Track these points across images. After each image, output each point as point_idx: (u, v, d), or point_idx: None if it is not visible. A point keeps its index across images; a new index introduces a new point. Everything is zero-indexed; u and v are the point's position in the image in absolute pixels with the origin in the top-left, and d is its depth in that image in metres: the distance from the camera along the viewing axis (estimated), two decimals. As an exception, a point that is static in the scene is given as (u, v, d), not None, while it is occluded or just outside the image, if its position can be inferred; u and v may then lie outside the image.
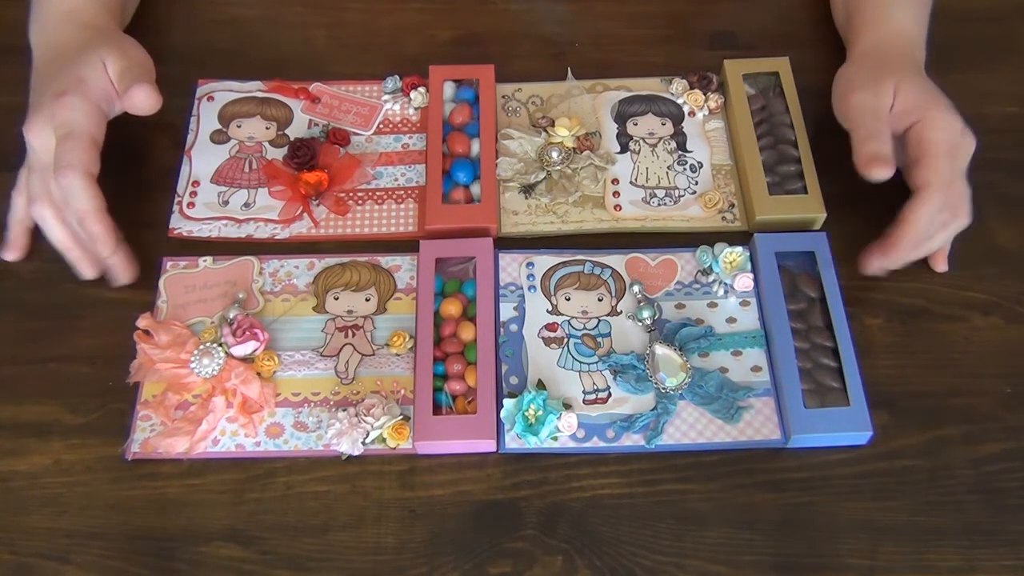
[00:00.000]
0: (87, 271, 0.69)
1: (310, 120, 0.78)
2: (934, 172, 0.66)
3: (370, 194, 0.74)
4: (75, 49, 0.70)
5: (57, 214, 0.67)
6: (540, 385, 0.65)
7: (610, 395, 0.65)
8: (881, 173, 0.67)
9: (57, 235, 0.67)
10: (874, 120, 0.68)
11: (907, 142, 0.68)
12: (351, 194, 0.74)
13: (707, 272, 0.69)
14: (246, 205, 0.73)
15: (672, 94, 0.78)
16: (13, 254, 0.71)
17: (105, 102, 0.68)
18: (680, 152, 0.76)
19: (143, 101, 0.67)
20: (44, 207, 0.67)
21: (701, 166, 0.75)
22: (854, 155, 0.68)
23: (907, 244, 0.67)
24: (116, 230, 0.67)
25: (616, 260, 0.70)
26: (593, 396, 0.65)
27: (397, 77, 0.79)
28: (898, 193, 0.74)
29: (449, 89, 0.78)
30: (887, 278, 0.70)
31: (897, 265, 0.69)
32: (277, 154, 0.75)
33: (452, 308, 0.67)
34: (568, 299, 0.69)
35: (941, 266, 0.71)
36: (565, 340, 0.67)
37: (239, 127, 0.77)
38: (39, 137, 0.66)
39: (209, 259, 0.70)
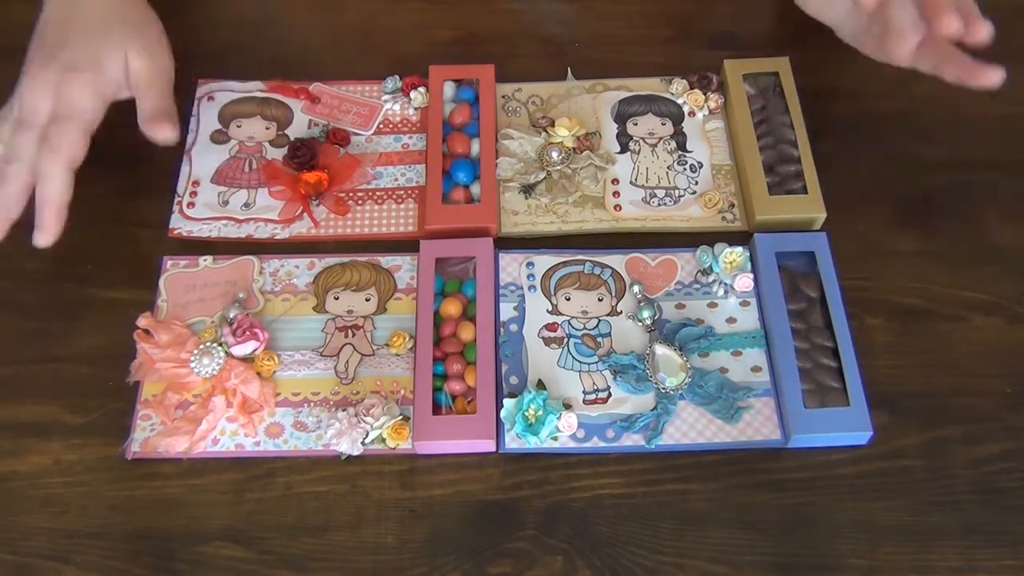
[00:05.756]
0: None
1: (310, 120, 0.78)
2: None
3: (370, 194, 0.74)
4: (95, 15, 0.70)
5: (23, 179, 0.65)
6: (540, 385, 0.65)
7: (610, 395, 0.65)
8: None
9: (9, 190, 0.65)
10: None
11: None
12: (351, 194, 0.74)
13: (707, 272, 0.69)
14: (246, 205, 0.73)
15: (672, 94, 0.78)
16: None
17: (113, 89, 0.69)
18: (680, 152, 0.76)
19: (165, 138, 0.70)
20: (14, 166, 0.65)
21: (701, 166, 0.75)
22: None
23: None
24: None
25: (616, 260, 0.70)
26: (593, 396, 0.65)
27: (397, 77, 0.79)
28: (898, 194, 0.74)
29: (449, 89, 0.78)
30: (886, 278, 0.70)
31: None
32: (277, 154, 0.75)
33: (452, 308, 0.67)
34: (568, 299, 0.69)
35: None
36: (565, 340, 0.67)
37: (239, 127, 0.77)
38: (38, 98, 0.66)
39: (209, 258, 0.70)
